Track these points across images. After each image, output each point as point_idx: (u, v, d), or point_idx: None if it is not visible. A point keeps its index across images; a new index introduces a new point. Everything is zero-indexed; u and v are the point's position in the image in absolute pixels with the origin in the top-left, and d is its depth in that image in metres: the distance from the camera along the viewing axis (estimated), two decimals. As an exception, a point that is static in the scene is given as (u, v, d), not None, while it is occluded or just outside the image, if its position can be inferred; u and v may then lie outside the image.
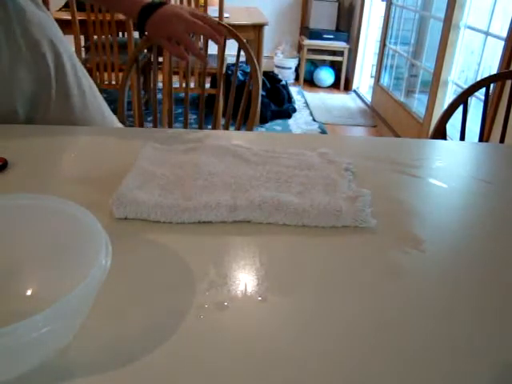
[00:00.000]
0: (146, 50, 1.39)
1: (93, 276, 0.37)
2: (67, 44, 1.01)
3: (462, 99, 1.26)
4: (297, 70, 4.76)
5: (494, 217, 0.70)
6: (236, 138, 0.94)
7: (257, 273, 0.53)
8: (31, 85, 0.93)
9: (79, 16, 2.64)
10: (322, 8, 4.57)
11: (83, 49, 3.01)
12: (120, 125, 1.14)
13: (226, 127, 1.43)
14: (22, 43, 0.90)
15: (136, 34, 2.79)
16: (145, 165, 0.72)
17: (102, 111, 1.07)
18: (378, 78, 3.97)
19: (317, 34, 4.57)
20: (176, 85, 2.76)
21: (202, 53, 0.90)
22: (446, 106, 1.31)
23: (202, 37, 1.53)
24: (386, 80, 3.90)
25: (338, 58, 4.64)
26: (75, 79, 1.00)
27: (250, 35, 2.98)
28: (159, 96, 3.00)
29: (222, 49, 1.44)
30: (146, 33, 0.92)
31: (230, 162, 0.76)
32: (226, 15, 2.94)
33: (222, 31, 0.91)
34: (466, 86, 1.28)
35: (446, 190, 0.77)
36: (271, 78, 3.86)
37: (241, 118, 1.40)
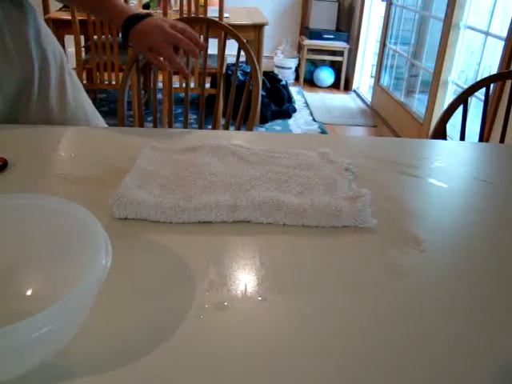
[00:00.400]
0: (146, 50, 1.38)
1: (93, 276, 0.37)
2: (56, 44, 1.02)
3: (462, 99, 1.26)
4: (297, 70, 4.76)
5: (494, 217, 0.70)
6: (236, 137, 0.94)
7: (257, 273, 0.53)
8: (14, 82, 0.94)
9: (79, 16, 2.64)
10: (322, 8, 4.57)
11: (83, 49, 3.01)
12: (105, 125, 1.15)
13: (226, 127, 1.43)
14: (10, 42, 0.91)
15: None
16: (145, 165, 0.72)
17: (85, 112, 1.07)
18: (378, 78, 3.97)
19: (317, 34, 4.57)
20: (176, 85, 2.76)
21: (181, 64, 0.92)
22: (446, 106, 1.31)
23: (202, 37, 1.53)
24: (386, 80, 3.90)
25: (338, 58, 4.64)
26: (59, 80, 1.01)
27: (250, 35, 2.98)
28: (159, 96, 3.00)
29: (222, 49, 1.44)
30: (130, 43, 0.94)
31: (230, 162, 0.76)
32: (226, 15, 2.94)
33: (201, 45, 0.93)
34: (466, 86, 1.28)
35: (446, 189, 0.77)
36: (271, 78, 3.86)
37: (241, 118, 1.40)
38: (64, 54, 1.04)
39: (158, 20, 0.92)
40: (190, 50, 0.91)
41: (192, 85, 2.92)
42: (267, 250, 0.58)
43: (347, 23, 4.68)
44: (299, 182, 0.71)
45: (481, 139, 1.35)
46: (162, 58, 0.93)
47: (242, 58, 1.44)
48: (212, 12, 2.81)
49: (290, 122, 3.68)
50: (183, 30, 0.91)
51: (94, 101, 3.57)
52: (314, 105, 4.09)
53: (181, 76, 2.88)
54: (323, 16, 4.60)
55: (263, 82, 3.67)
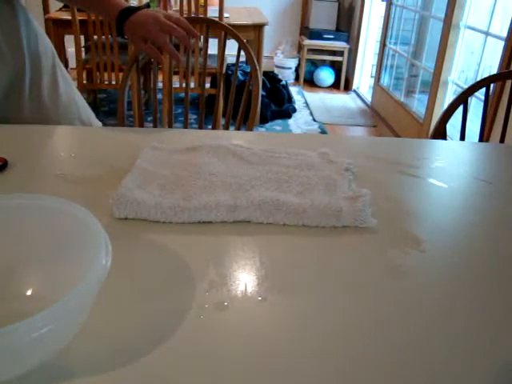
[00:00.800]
0: (146, 50, 1.38)
1: (93, 276, 0.37)
2: (47, 41, 1.04)
3: (462, 99, 1.26)
4: (297, 70, 4.76)
5: (494, 217, 0.70)
6: (236, 137, 0.94)
7: (257, 273, 0.53)
8: (5, 78, 0.95)
9: (79, 16, 2.64)
10: (322, 8, 4.57)
11: (83, 49, 3.01)
12: (100, 123, 1.15)
13: (226, 127, 1.43)
14: (2, 39, 0.92)
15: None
16: (145, 165, 0.72)
17: (77, 107, 1.09)
18: (378, 78, 3.97)
19: (317, 34, 4.57)
20: (176, 85, 2.76)
21: (175, 52, 0.94)
22: (446, 106, 1.31)
23: (202, 37, 1.54)
24: (386, 80, 3.90)
25: (338, 58, 4.64)
26: (51, 76, 1.02)
27: (250, 35, 2.98)
28: (159, 96, 3.00)
29: (222, 49, 1.44)
30: (126, 36, 0.96)
31: (230, 162, 0.76)
32: (226, 15, 2.93)
33: (195, 34, 0.96)
34: (466, 86, 1.28)
35: (446, 189, 0.77)
36: (271, 78, 3.86)
37: (241, 118, 1.40)
38: (55, 51, 1.06)
39: (151, 11, 0.94)
40: (182, 38, 0.94)
41: (192, 85, 2.92)
42: (267, 250, 0.58)
43: (347, 23, 4.68)
44: (299, 181, 0.71)
45: (481, 139, 1.35)
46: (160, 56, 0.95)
47: (242, 58, 1.44)
48: (212, 12, 2.81)
49: (290, 122, 3.68)
50: (178, 20, 0.94)
51: (94, 101, 3.57)
52: (313, 105, 4.09)
53: (181, 76, 2.89)
54: (323, 16, 4.60)
55: (263, 81, 3.67)
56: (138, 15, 0.93)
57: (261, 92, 2.99)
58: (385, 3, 3.88)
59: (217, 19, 1.66)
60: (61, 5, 3.00)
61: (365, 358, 0.43)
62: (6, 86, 0.95)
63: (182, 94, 3.12)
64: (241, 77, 3.46)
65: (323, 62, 4.76)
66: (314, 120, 3.74)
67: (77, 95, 1.10)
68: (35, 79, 0.99)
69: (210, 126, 2.84)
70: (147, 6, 3.11)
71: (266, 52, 3.27)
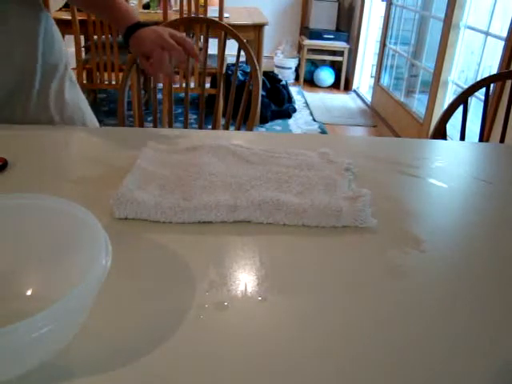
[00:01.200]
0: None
1: (93, 276, 0.37)
2: (62, 46, 1.03)
3: (462, 99, 1.26)
4: (297, 70, 4.76)
5: (494, 217, 0.70)
6: (236, 138, 0.94)
7: (257, 273, 0.53)
8: (11, 82, 0.94)
9: (79, 16, 2.64)
10: (322, 8, 4.57)
11: (83, 49, 3.01)
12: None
13: (226, 127, 1.43)
14: (17, 38, 0.92)
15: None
16: (145, 165, 0.72)
17: (83, 113, 1.09)
18: (378, 78, 3.97)
19: (317, 34, 4.57)
20: (176, 85, 2.76)
21: (171, 71, 0.94)
22: (446, 106, 1.31)
23: (202, 37, 1.54)
24: (386, 80, 3.90)
25: (338, 58, 4.64)
26: (60, 82, 1.02)
27: (250, 35, 2.98)
28: (159, 96, 3.00)
29: (222, 49, 1.45)
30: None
31: (230, 162, 0.76)
32: (226, 15, 2.93)
33: (196, 55, 0.96)
34: (466, 86, 1.28)
35: (446, 189, 0.77)
36: (271, 78, 3.86)
37: (241, 118, 1.40)
38: (69, 60, 1.06)
39: (157, 29, 0.93)
40: (179, 58, 0.92)
41: (192, 85, 2.92)
42: (267, 249, 0.58)
43: (347, 23, 4.68)
44: (299, 181, 0.71)
45: (481, 139, 1.35)
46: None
47: (242, 58, 1.44)
48: (212, 12, 2.81)
49: (290, 122, 3.68)
50: (181, 39, 0.93)
51: (94, 101, 3.57)
52: (313, 105, 4.09)
53: (181, 76, 2.89)
54: (323, 16, 4.60)
55: (263, 81, 3.67)
56: (142, 31, 0.93)
57: (261, 92, 2.99)
58: (385, 3, 3.88)
59: (217, 19, 1.66)
60: (61, 5, 3.00)
61: (365, 358, 0.43)
62: (12, 88, 0.95)
63: (182, 94, 3.12)
64: (241, 77, 3.46)
65: (323, 62, 4.77)
66: (314, 120, 3.74)
67: (82, 100, 1.10)
68: (44, 84, 0.98)
69: (209, 126, 2.84)
70: (147, 5, 3.12)
71: (266, 52, 3.27)
